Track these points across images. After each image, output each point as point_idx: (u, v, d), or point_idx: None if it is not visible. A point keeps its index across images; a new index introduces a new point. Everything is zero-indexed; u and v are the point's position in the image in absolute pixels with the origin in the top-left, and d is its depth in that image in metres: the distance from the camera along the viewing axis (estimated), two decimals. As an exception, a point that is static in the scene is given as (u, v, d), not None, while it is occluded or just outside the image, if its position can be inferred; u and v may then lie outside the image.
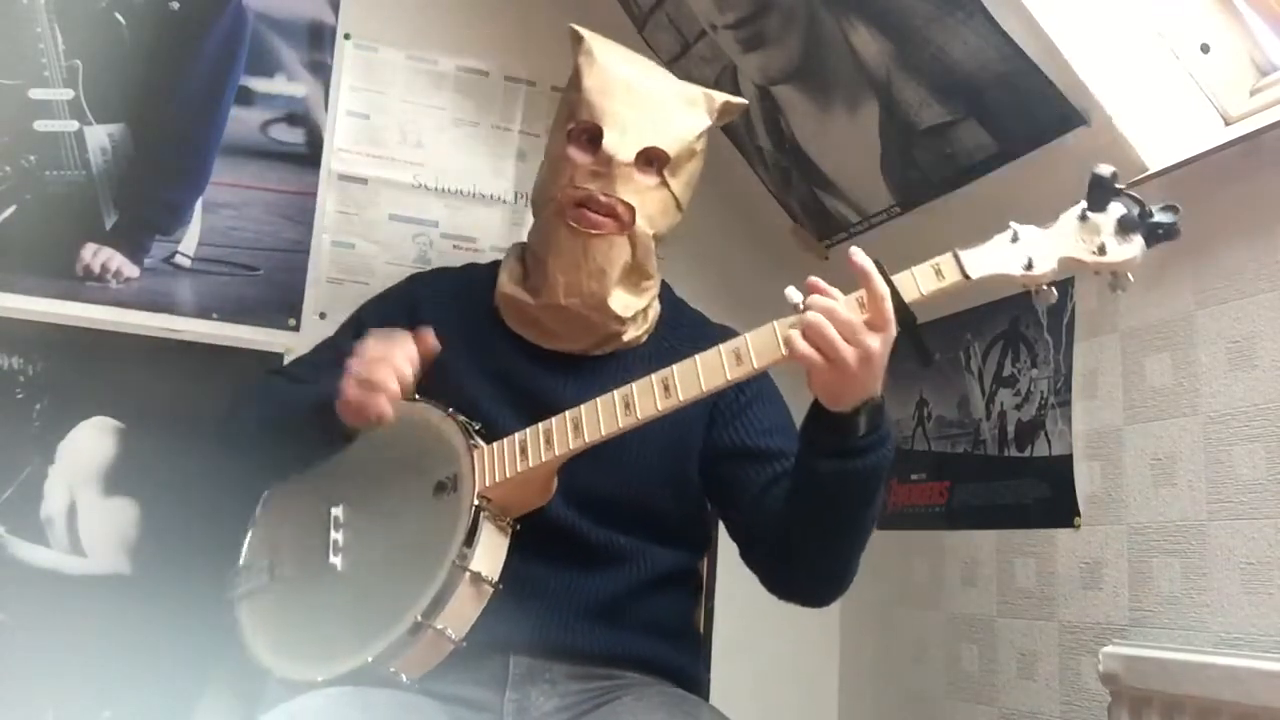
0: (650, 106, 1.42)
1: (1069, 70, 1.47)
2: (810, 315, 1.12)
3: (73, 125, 1.82)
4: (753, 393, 1.44)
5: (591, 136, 1.41)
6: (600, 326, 1.43)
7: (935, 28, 1.58)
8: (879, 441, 1.20)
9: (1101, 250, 1.16)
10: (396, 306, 1.54)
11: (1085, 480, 1.58)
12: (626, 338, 1.46)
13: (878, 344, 1.12)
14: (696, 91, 1.49)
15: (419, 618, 1.19)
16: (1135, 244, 1.16)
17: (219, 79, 1.91)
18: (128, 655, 1.72)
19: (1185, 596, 1.40)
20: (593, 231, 1.39)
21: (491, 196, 2.04)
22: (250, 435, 1.48)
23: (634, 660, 1.36)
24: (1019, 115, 1.58)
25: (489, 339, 1.46)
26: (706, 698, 1.48)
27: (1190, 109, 1.49)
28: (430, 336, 1.33)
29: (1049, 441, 1.65)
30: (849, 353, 1.11)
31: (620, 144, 1.38)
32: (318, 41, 1.98)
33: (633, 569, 1.38)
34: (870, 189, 1.92)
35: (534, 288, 1.44)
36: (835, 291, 1.14)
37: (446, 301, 1.52)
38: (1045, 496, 1.64)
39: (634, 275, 1.44)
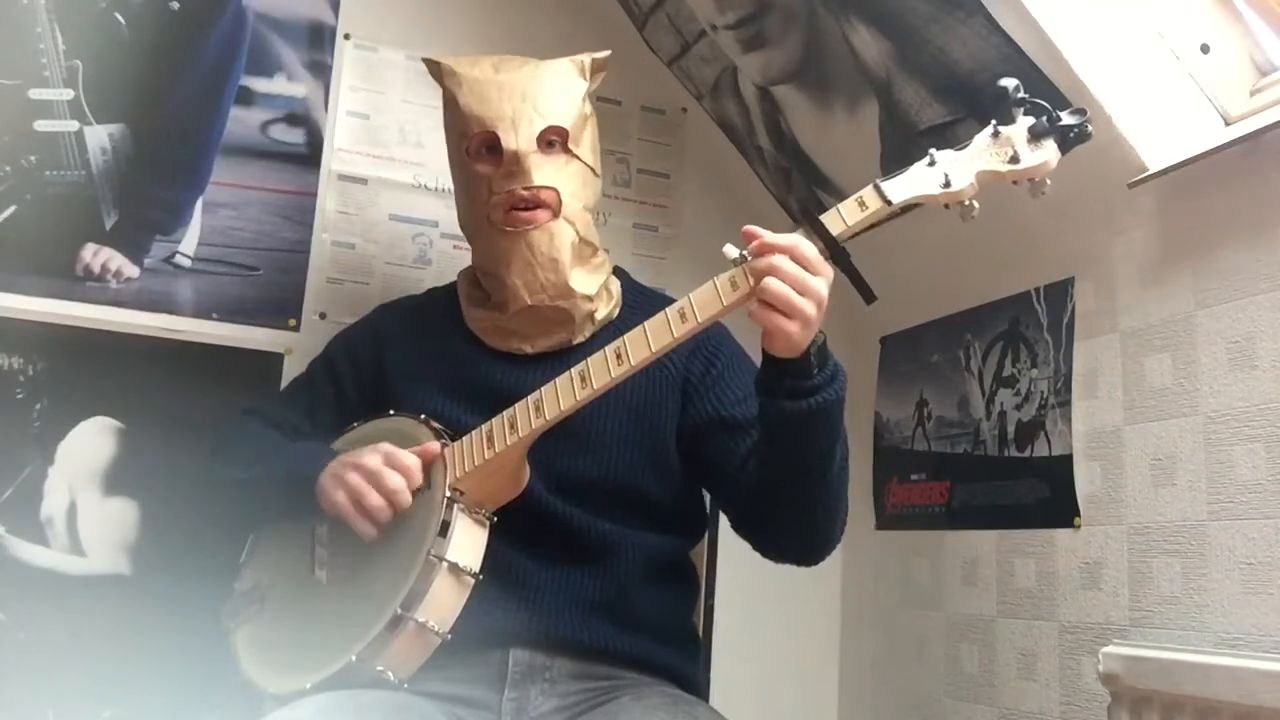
0: (529, 93, 1.46)
1: (1069, 70, 1.47)
2: (770, 283, 1.16)
3: (73, 125, 1.82)
4: (724, 364, 1.47)
5: (489, 145, 1.45)
6: (574, 311, 1.45)
7: (935, 28, 1.58)
8: (831, 376, 1.24)
9: (1015, 159, 1.21)
10: (363, 341, 1.56)
11: (1085, 480, 1.58)
12: (600, 315, 1.48)
13: (824, 288, 1.18)
14: (561, 62, 1.53)
15: (398, 610, 1.19)
16: (1048, 149, 1.21)
17: (219, 79, 1.91)
18: (128, 655, 1.72)
19: (1185, 596, 1.40)
20: (529, 226, 1.42)
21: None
22: (228, 494, 1.49)
23: (633, 659, 1.36)
24: (1019, 115, 1.58)
25: (463, 357, 1.48)
26: (706, 698, 1.48)
27: (1190, 109, 1.49)
28: (434, 449, 1.30)
29: (1049, 441, 1.65)
30: (807, 305, 1.16)
31: (517, 138, 1.42)
32: (318, 41, 1.98)
33: (623, 558, 1.39)
34: (870, 189, 1.92)
35: (499, 303, 1.47)
36: (776, 240, 1.19)
37: (413, 328, 1.54)
38: (1045, 496, 1.64)
39: (584, 252, 1.48)
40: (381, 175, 1.99)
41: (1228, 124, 1.48)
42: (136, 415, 1.78)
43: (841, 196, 1.98)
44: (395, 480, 1.26)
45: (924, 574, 1.92)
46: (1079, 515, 1.58)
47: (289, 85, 1.95)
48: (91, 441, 1.77)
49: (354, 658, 1.19)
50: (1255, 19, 1.51)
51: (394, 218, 1.99)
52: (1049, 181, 1.22)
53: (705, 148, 2.20)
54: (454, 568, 1.22)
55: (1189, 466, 1.41)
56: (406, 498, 1.26)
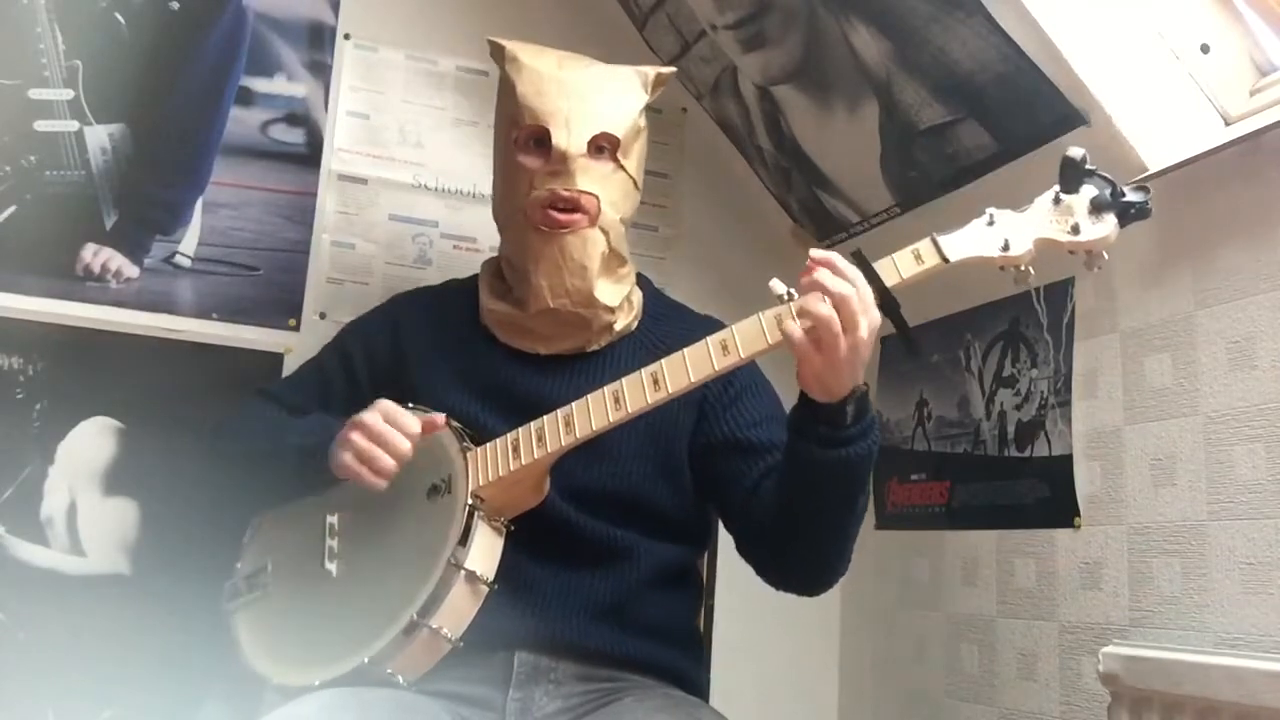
0: (588, 96, 1.44)
1: (1069, 70, 1.47)
2: (820, 307, 1.14)
3: (73, 125, 1.82)
4: (741, 384, 1.45)
5: (539, 139, 1.42)
6: (593, 320, 1.44)
7: (935, 28, 1.58)
8: (866, 430, 1.22)
9: (1075, 230, 1.20)
10: (379, 328, 1.56)
11: (1085, 480, 1.58)
12: (618, 327, 1.47)
13: (866, 332, 1.15)
14: (626, 70, 1.51)
15: (414, 617, 1.19)
16: (1108, 223, 1.20)
17: (219, 79, 1.91)
18: (128, 655, 1.72)
19: (1185, 596, 1.40)
20: (564, 230, 1.40)
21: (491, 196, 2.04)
22: (235, 467, 1.49)
23: (638, 662, 1.36)
24: (1019, 115, 1.58)
25: (479, 354, 1.47)
26: (707, 699, 1.48)
27: (1190, 109, 1.49)
28: (438, 417, 1.31)
29: (1049, 441, 1.65)
30: (843, 341, 1.14)
31: (569, 138, 1.40)
32: (318, 41, 1.98)
33: (633, 565, 1.39)
34: (870, 189, 1.93)
35: (520, 299, 1.45)
36: (833, 282, 1.16)
37: (430, 320, 1.53)
38: (1045, 496, 1.64)
39: (612, 263, 1.46)
40: (381, 175, 1.99)
41: (1228, 124, 1.48)
42: (136, 415, 1.79)
43: (842, 196, 2.01)
44: (399, 439, 1.27)
45: (924, 574, 1.92)
46: (1079, 515, 1.58)
47: (289, 85, 1.95)
48: (91, 441, 1.77)
49: (366, 660, 1.20)
50: (1255, 19, 1.51)
51: (394, 218, 1.99)
52: (1105, 255, 1.21)
53: (705, 148, 2.20)
54: (471, 576, 1.22)
55: (1189, 466, 1.41)
56: (408, 450, 1.27)
